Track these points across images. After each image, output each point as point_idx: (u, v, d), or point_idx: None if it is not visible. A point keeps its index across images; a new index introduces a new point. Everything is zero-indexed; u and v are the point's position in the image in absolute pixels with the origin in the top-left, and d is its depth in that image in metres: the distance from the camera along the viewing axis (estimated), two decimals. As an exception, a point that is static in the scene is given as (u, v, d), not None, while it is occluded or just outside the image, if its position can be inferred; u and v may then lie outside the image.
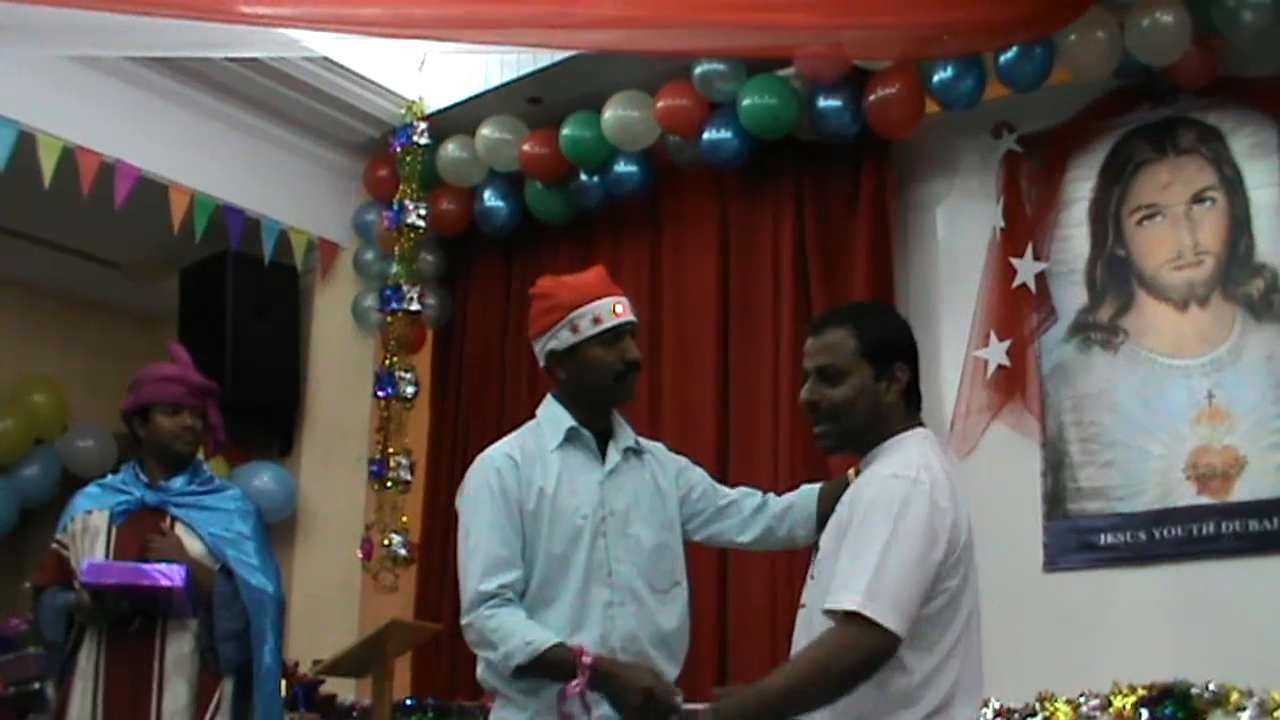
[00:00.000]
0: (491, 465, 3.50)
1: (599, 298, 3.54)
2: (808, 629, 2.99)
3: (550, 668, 3.27)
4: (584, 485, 3.50)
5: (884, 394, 3.08)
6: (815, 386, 3.13)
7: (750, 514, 3.73)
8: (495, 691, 3.46)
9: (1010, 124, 6.04)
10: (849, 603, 2.78)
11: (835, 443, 3.18)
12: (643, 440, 3.73)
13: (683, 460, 3.79)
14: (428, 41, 6.28)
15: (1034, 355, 5.87)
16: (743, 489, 3.82)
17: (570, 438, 3.55)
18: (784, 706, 2.88)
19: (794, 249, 6.38)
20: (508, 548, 3.41)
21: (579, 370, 3.54)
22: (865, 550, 2.83)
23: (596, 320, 3.51)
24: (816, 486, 3.78)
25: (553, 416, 3.59)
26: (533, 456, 3.51)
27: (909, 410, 3.12)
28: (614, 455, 3.57)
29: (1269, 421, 5.33)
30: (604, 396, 3.58)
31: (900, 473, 2.93)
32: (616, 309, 3.55)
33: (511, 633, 3.30)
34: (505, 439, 3.62)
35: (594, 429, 3.58)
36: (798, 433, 6.09)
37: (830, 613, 2.83)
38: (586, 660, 3.25)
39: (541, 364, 3.64)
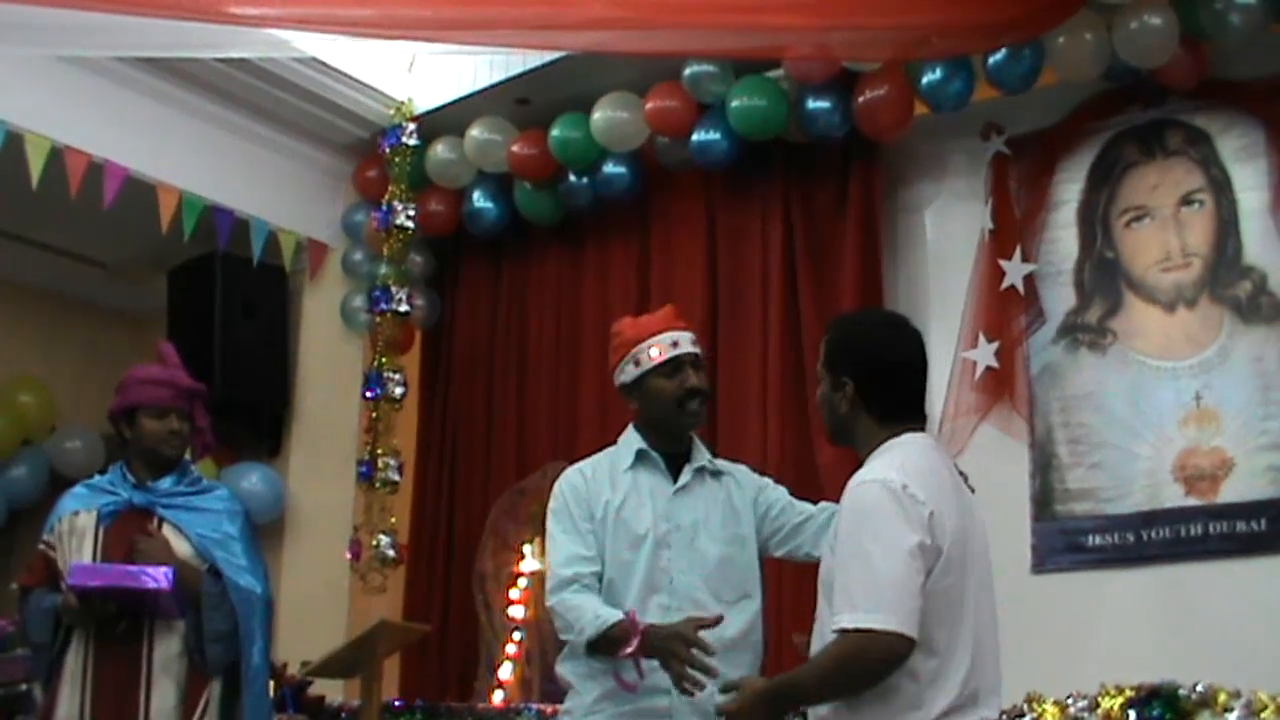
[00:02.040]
0: (566, 481, 3.91)
1: (660, 333, 3.91)
2: (821, 637, 3.07)
3: (615, 642, 3.55)
4: (651, 501, 3.83)
5: (838, 405, 3.21)
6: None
7: (821, 526, 3.89)
8: (569, 687, 3.78)
9: (999, 126, 6.05)
10: (847, 622, 2.88)
11: (829, 436, 3.39)
12: (723, 462, 4.04)
13: (765, 481, 4.04)
14: (417, 42, 6.29)
15: (1022, 357, 5.88)
16: (824, 504, 3.99)
17: (640, 459, 3.89)
18: (815, 697, 3.05)
19: (783, 250, 6.38)
20: (584, 546, 3.77)
21: (645, 399, 3.90)
22: (850, 562, 2.95)
23: (655, 354, 3.87)
24: None
25: (628, 441, 3.95)
26: (604, 474, 3.89)
27: (880, 421, 3.18)
28: (685, 475, 3.89)
29: (1256, 423, 5.34)
30: (669, 422, 3.89)
31: (868, 477, 3.03)
32: (676, 342, 3.90)
33: (585, 611, 3.62)
34: (587, 459, 4.01)
35: (667, 451, 3.91)
36: (786, 433, 6.11)
37: (839, 632, 2.91)
38: (640, 625, 3.53)
39: (622, 397, 4.00)
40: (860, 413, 3.18)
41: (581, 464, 3.98)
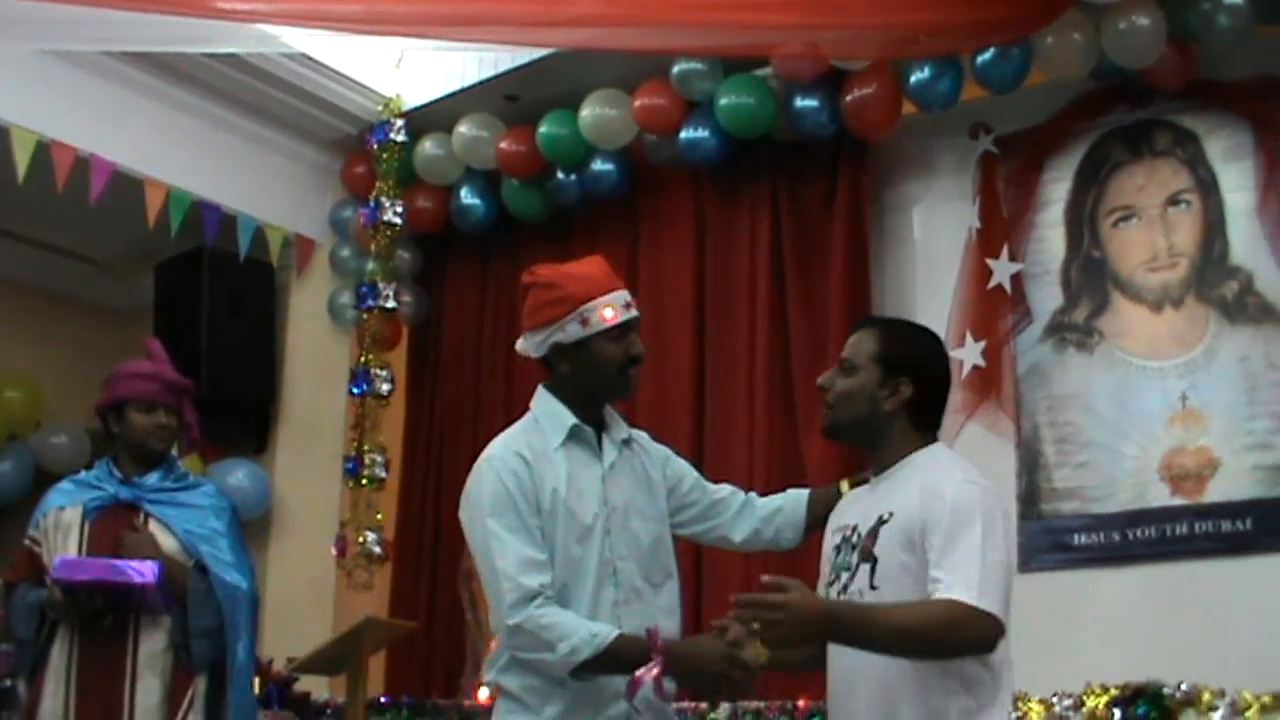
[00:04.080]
0: (505, 467, 3.39)
1: (609, 291, 3.48)
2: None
3: (617, 659, 3.20)
4: (588, 483, 3.44)
5: (883, 401, 3.19)
6: (832, 374, 3.28)
7: (737, 512, 3.72)
8: (499, 692, 3.41)
9: (987, 125, 6.06)
10: (961, 595, 2.86)
11: (828, 428, 3.31)
12: (627, 428, 3.67)
13: (665, 449, 3.73)
14: (405, 38, 6.29)
15: (1009, 356, 5.88)
16: (726, 485, 3.79)
17: (573, 435, 3.47)
18: (880, 640, 2.93)
19: (771, 248, 6.39)
20: (538, 550, 3.32)
21: (586, 364, 3.46)
22: (967, 552, 2.93)
23: (610, 315, 3.44)
24: (805, 492, 3.78)
25: (552, 412, 3.51)
26: (541, 455, 3.42)
27: (916, 427, 3.21)
28: (610, 451, 3.51)
29: (1242, 423, 5.35)
30: (607, 391, 3.53)
31: (972, 479, 3.07)
32: (628, 304, 3.50)
33: (573, 629, 3.22)
34: (506, 436, 3.52)
35: (589, 423, 3.51)
36: (774, 431, 6.12)
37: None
38: (660, 644, 3.22)
39: (535, 355, 3.54)
40: (903, 415, 3.19)
41: (509, 441, 3.47)
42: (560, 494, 3.37)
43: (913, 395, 3.18)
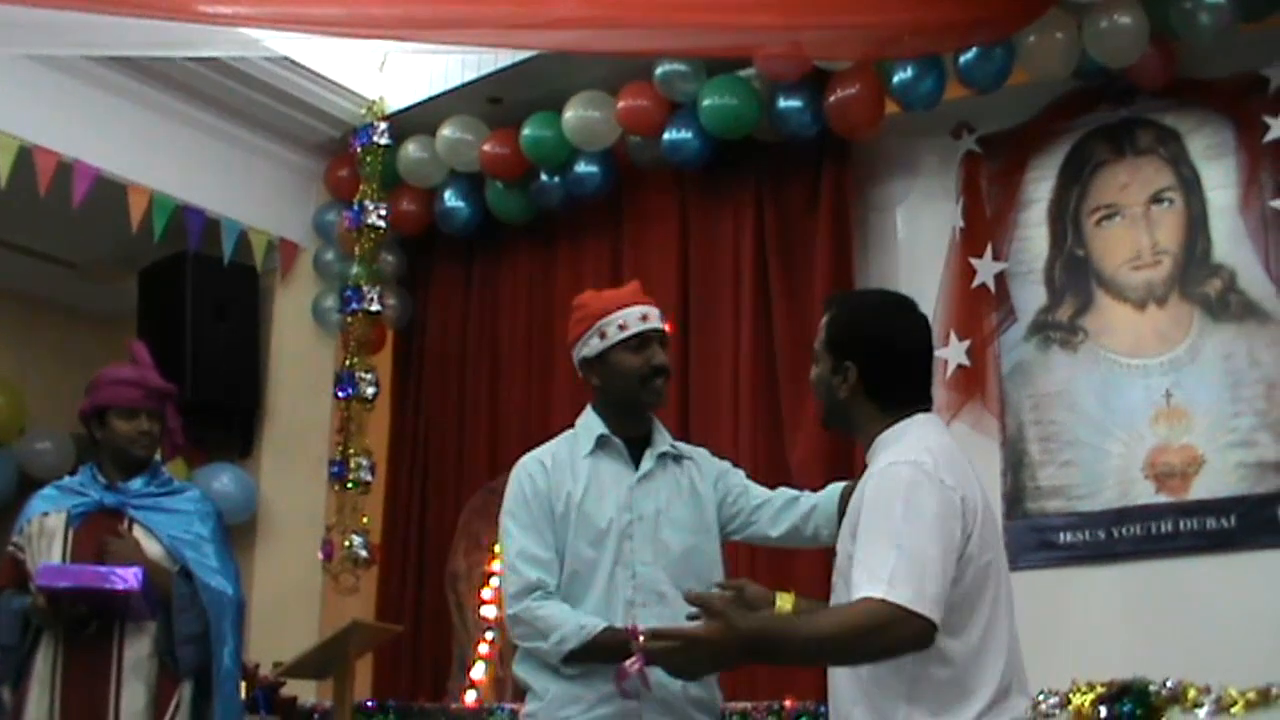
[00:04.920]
0: (525, 472, 3.72)
1: (627, 306, 3.73)
2: None
3: (602, 650, 3.43)
4: (613, 490, 3.66)
5: (837, 388, 3.05)
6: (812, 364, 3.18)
7: (779, 509, 3.81)
8: (528, 689, 3.62)
9: (970, 124, 6.07)
10: (880, 593, 2.66)
11: (821, 421, 3.23)
12: (684, 445, 3.89)
13: (724, 465, 3.91)
14: (388, 41, 6.27)
15: (993, 355, 5.89)
16: (782, 489, 3.90)
17: (601, 445, 3.71)
18: (807, 653, 2.88)
19: (754, 249, 6.39)
20: (544, 548, 3.59)
21: (607, 375, 3.71)
22: (881, 540, 2.74)
23: (622, 326, 3.68)
24: (840, 485, 3.79)
25: (587, 424, 3.77)
26: (564, 463, 3.69)
27: (882, 409, 3.03)
28: (647, 461, 3.72)
29: (1226, 420, 5.36)
30: (632, 400, 3.72)
31: (899, 459, 2.87)
32: (644, 316, 3.72)
33: (563, 620, 3.49)
34: (544, 445, 3.80)
35: (628, 435, 3.74)
36: (757, 430, 6.12)
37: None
38: (641, 637, 3.28)
39: (579, 373, 3.82)
40: (861, 399, 3.03)
41: (539, 452, 3.77)
42: (575, 498, 3.63)
43: (863, 377, 3.02)
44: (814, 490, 3.87)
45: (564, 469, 3.68)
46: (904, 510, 2.76)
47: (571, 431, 3.81)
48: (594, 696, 3.49)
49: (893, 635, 2.67)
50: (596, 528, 3.61)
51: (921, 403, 3.08)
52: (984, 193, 6.03)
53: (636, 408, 3.73)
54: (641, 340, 3.69)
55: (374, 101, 7.19)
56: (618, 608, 3.54)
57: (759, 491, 3.87)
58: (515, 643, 3.62)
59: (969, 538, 2.82)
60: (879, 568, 2.70)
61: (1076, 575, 5.57)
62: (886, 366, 3.05)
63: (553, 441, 3.81)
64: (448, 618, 6.79)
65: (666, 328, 3.84)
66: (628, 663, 3.24)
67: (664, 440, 3.80)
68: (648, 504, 3.67)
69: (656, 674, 3.21)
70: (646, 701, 3.44)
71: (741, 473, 3.91)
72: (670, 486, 3.73)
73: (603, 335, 3.69)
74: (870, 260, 6.32)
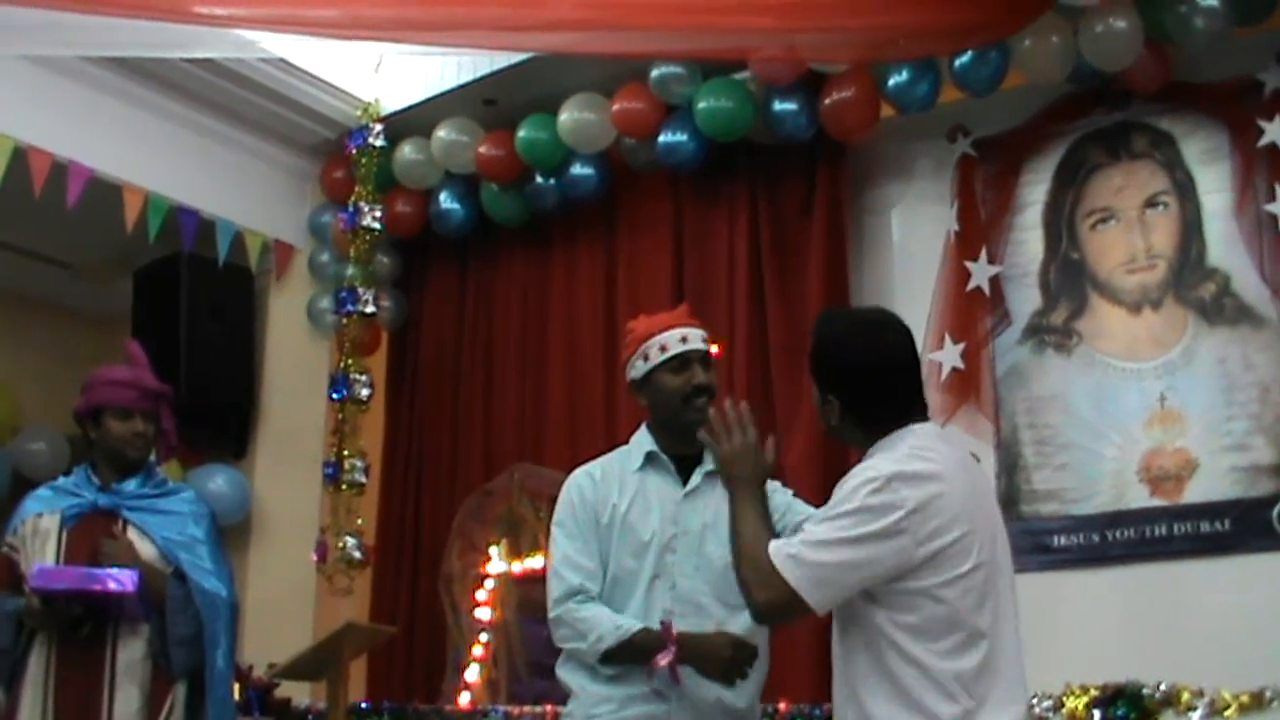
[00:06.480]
0: (575, 483, 3.88)
1: (670, 328, 3.86)
2: (841, 639, 3.08)
3: (638, 650, 3.57)
4: (658, 505, 3.79)
5: (828, 416, 3.18)
6: None
7: None
8: (568, 691, 3.75)
9: (965, 128, 6.07)
10: (777, 553, 2.95)
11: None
12: None
13: (774, 484, 3.88)
14: (383, 43, 6.27)
15: (988, 358, 5.89)
16: None
17: (650, 461, 3.85)
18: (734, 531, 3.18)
19: (749, 252, 6.39)
20: (587, 556, 3.74)
21: (652, 396, 3.85)
22: (826, 524, 2.95)
23: (663, 348, 3.82)
24: None
25: (640, 441, 3.91)
26: (613, 476, 3.85)
27: (869, 431, 3.11)
28: (695, 478, 3.82)
29: (1220, 424, 5.37)
30: (676, 419, 3.81)
31: (860, 469, 3.00)
32: (685, 338, 3.84)
33: (601, 621, 3.62)
34: (597, 459, 3.95)
35: (679, 453, 3.84)
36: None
37: (790, 558, 2.94)
38: (674, 634, 3.55)
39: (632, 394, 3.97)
40: (849, 424, 3.14)
41: (591, 465, 3.93)
42: (620, 510, 3.78)
43: (846, 406, 3.13)
44: (809, 494, 3.89)
45: (612, 482, 3.83)
46: (856, 518, 2.91)
47: (626, 447, 3.95)
48: (624, 696, 3.62)
49: (758, 592, 2.99)
50: (639, 540, 3.74)
51: (912, 414, 3.14)
52: (979, 196, 6.03)
53: (682, 427, 3.79)
54: (682, 361, 3.81)
55: (369, 103, 7.18)
56: (655, 617, 3.64)
57: (802, 508, 3.90)
58: (558, 645, 3.74)
59: (929, 539, 2.90)
60: (802, 540, 2.96)
61: (1070, 578, 5.56)
62: (866, 392, 3.14)
63: (606, 456, 3.95)
64: (442, 619, 6.78)
65: (714, 349, 3.95)
66: (658, 656, 3.52)
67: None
68: (694, 519, 3.77)
69: (695, 680, 3.55)
70: (677, 702, 3.58)
71: (789, 492, 3.95)
72: (718, 503, 3.72)
73: (646, 358, 3.84)
74: (865, 263, 6.32)
